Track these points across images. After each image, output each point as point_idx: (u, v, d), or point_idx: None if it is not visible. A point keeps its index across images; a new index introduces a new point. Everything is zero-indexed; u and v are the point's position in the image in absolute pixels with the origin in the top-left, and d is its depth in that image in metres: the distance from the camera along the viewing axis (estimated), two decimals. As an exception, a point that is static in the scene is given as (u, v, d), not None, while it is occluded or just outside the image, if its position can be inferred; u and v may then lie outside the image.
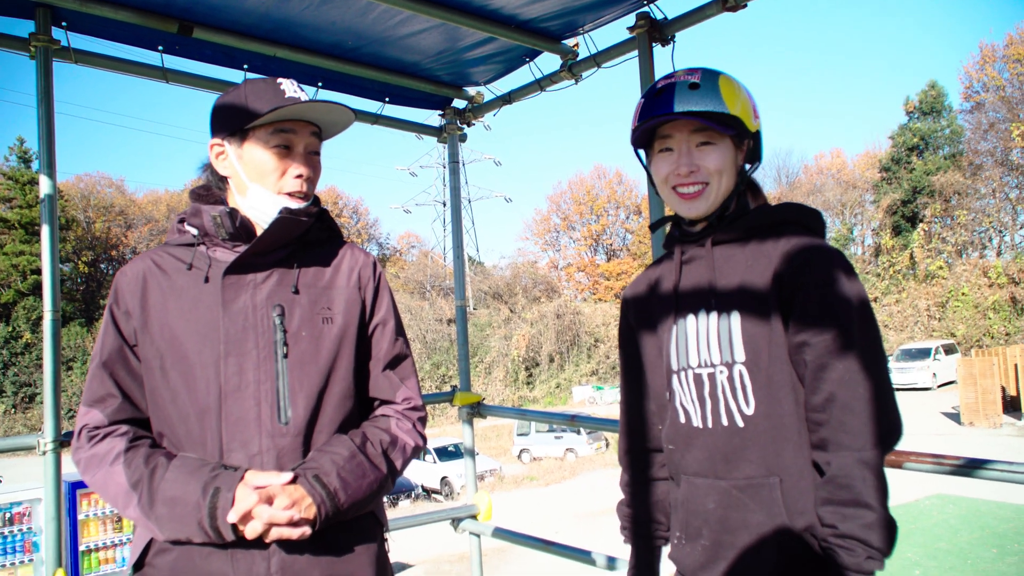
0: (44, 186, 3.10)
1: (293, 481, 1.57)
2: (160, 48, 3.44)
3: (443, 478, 23.93)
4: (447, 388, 4.62)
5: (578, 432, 25.84)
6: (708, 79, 1.67)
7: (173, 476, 1.55)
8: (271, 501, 1.52)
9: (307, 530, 1.56)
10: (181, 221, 1.76)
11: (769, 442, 1.57)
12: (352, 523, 1.71)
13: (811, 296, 1.53)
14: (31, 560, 7.77)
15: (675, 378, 1.70)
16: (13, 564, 7.75)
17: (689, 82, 1.67)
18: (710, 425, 1.63)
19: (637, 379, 1.86)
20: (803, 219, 1.69)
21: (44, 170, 3.11)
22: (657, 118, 1.66)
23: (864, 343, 1.51)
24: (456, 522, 4.28)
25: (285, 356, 1.65)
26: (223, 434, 1.60)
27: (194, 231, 1.72)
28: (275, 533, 1.53)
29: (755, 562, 1.57)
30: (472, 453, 4.49)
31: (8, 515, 7.77)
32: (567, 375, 43.82)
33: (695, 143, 1.68)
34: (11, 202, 43.91)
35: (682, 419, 1.69)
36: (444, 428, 36.72)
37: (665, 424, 1.75)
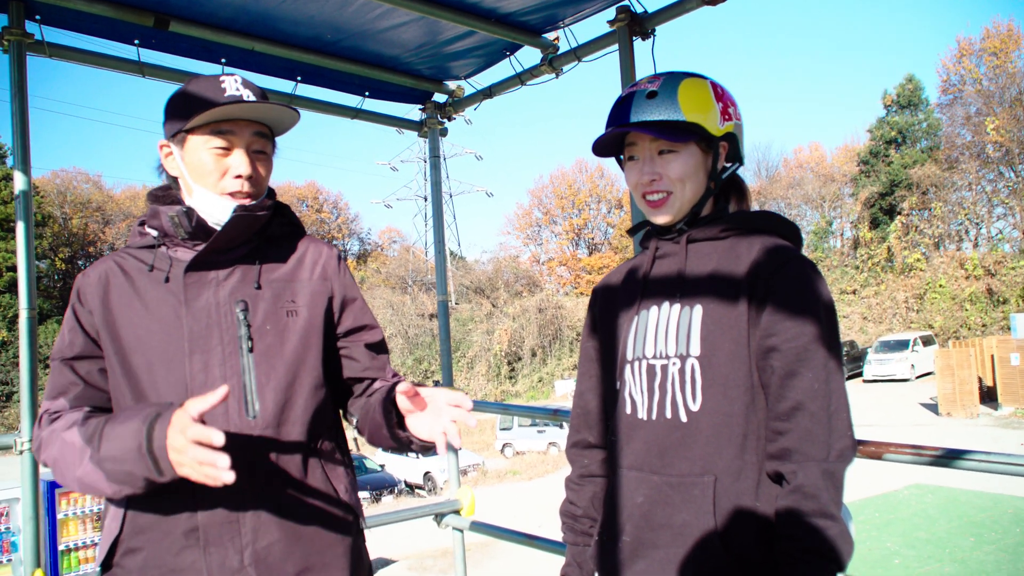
0: (19, 182, 3.06)
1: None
2: (136, 42, 3.40)
3: (426, 473, 23.92)
4: (430, 383, 4.60)
5: (561, 426, 25.89)
6: (668, 86, 1.66)
7: (122, 416, 1.51)
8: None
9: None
10: (142, 224, 1.75)
11: (711, 440, 1.54)
12: (328, 515, 1.71)
13: (784, 302, 1.52)
14: (9, 560, 7.69)
15: (628, 368, 1.68)
16: (-8, 564, 7.68)
17: (647, 91, 1.66)
18: (654, 417, 1.61)
19: (591, 373, 1.85)
20: (780, 229, 1.69)
21: (19, 166, 3.07)
22: (615, 129, 1.67)
23: (832, 356, 1.50)
24: (439, 517, 4.28)
25: (251, 351, 1.65)
26: None
27: (154, 232, 1.71)
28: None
29: (674, 564, 1.55)
30: (454, 448, 4.48)
31: (-15, 515, 7.69)
32: (549, 369, 43.88)
33: (656, 151, 1.67)
34: (-15, 198, 43.35)
35: (628, 410, 1.67)
36: (427, 423, 36.63)
37: (613, 416, 1.73)
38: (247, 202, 1.70)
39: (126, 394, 1.62)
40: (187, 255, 1.69)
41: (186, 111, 1.65)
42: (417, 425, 1.61)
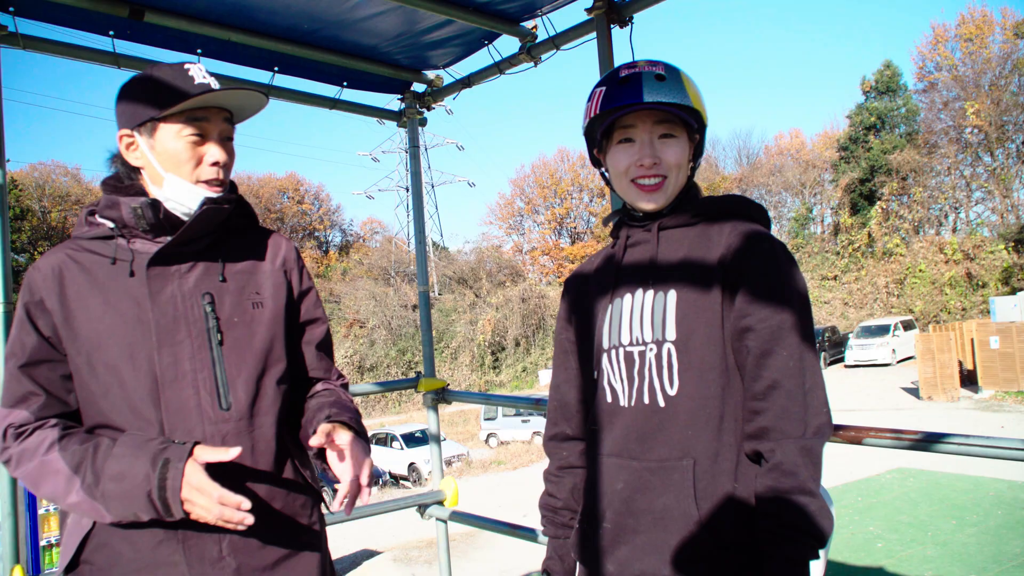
0: (-8, 176, 3.02)
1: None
2: (111, 33, 3.35)
3: (411, 464, 23.93)
4: (413, 374, 4.61)
5: (544, 415, 25.95)
6: (672, 72, 1.68)
7: (120, 451, 1.51)
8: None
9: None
10: (92, 213, 1.71)
11: (688, 424, 1.55)
12: (301, 501, 1.74)
13: (758, 283, 1.54)
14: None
15: (605, 356, 1.69)
16: (-28, 562, 7.63)
17: (655, 73, 1.66)
18: (632, 404, 1.62)
19: (567, 364, 1.85)
20: (749, 211, 1.70)
21: (-8, 160, 3.03)
22: (627, 107, 1.64)
23: (805, 335, 1.52)
24: (422, 508, 4.28)
25: (220, 343, 1.65)
26: (164, 424, 1.58)
27: (110, 223, 1.67)
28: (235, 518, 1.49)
29: (656, 548, 1.56)
30: (438, 439, 4.48)
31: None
32: (533, 359, 43.95)
33: (657, 135, 1.67)
34: (-39, 193, 42.79)
35: (608, 398, 1.68)
36: (411, 414, 36.72)
37: (592, 405, 1.74)
38: (216, 192, 1.68)
39: (94, 392, 1.60)
40: (147, 247, 1.66)
41: (157, 100, 1.62)
42: (334, 462, 1.65)
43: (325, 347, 1.89)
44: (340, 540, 14.38)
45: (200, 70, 1.68)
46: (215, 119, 1.68)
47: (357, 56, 3.96)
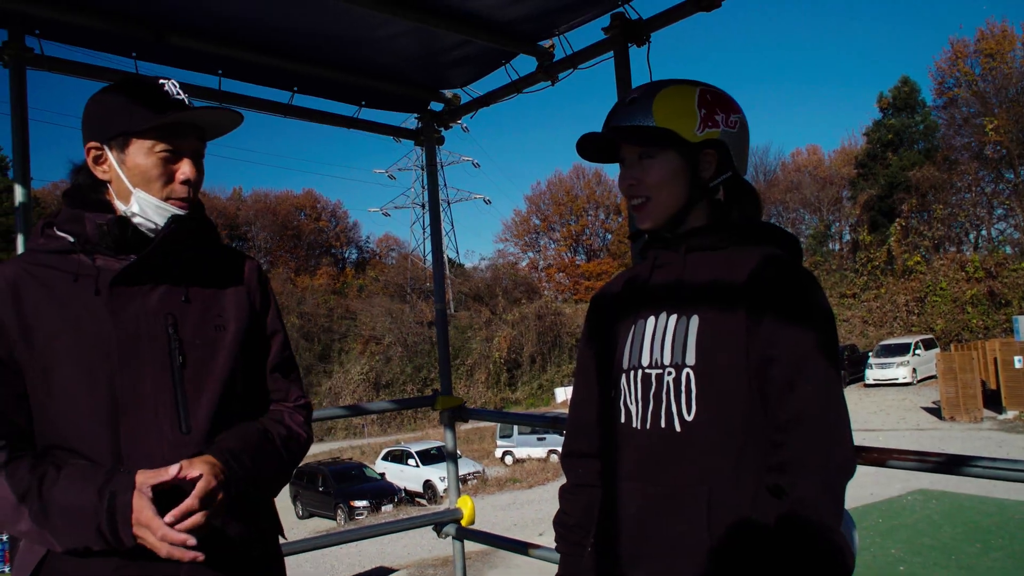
0: (18, 194, 3.06)
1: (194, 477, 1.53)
2: (133, 54, 3.39)
3: (426, 482, 23.90)
4: (429, 391, 4.60)
5: (561, 433, 25.84)
6: (647, 93, 1.67)
7: (65, 484, 1.48)
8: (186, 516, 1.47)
9: (216, 522, 1.53)
10: (50, 226, 1.65)
11: (705, 451, 1.53)
12: (261, 526, 1.72)
13: (781, 311, 1.51)
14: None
15: (623, 377, 1.67)
16: (-7, 576, 7.68)
17: (629, 98, 1.69)
18: (647, 427, 1.60)
19: (587, 381, 1.84)
20: (779, 240, 1.68)
21: (18, 179, 3.07)
22: (590, 134, 1.72)
23: (831, 366, 1.48)
24: (439, 527, 4.26)
25: (182, 366, 1.61)
26: (123, 447, 1.55)
27: (70, 237, 1.62)
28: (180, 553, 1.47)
29: (668, 573, 1.53)
30: (455, 457, 4.47)
31: (-14, 528, 7.70)
32: (549, 376, 43.89)
33: (637, 156, 1.68)
34: (-14, 211, 43.40)
35: (623, 419, 1.66)
36: (427, 432, 36.73)
37: (609, 425, 1.72)
38: (183, 209, 1.65)
39: (49, 411, 1.56)
40: (109, 264, 1.61)
41: (132, 114, 1.59)
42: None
43: (283, 367, 1.84)
44: (356, 558, 14.35)
45: (174, 86, 1.65)
46: (188, 136, 1.65)
47: (375, 75, 3.98)
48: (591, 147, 1.76)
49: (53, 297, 1.58)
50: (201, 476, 1.50)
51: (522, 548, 3.86)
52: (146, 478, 1.47)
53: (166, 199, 1.63)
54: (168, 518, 1.44)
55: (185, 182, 1.64)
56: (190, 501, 1.47)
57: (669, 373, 1.58)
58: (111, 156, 1.63)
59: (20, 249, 3.03)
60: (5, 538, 7.81)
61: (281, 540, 1.85)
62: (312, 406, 1.91)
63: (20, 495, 1.48)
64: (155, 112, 1.58)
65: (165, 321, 1.61)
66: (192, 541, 1.43)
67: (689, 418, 1.54)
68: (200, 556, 1.45)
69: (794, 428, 1.45)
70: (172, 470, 1.47)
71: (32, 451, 1.57)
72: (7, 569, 7.81)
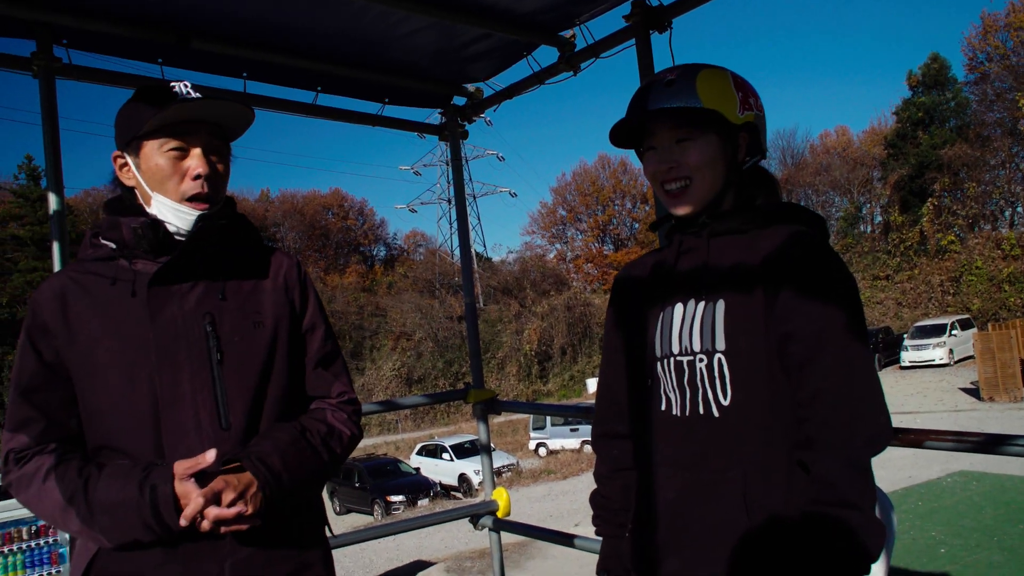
0: (52, 203, 3.12)
1: (236, 466, 1.57)
2: (159, 60, 3.44)
3: (461, 475, 24.00)
4: (461, 386, 4.62)
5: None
6: (686, 75, 1.65)
7: (107, 484, 1.53)
8: (219, 496, 1.51)
9: (257, 521, 1.55)
10: (96, 235, 1.71)
11: (744, 434, 1.53)
12: (302, 521, 1.74)
13: (798, 286, 1.50)
14: (58, 572, 7.84)
15: (658, 365, 1.67)
16: (41, 576, 7.84)
17: (665, 80, 1.66)
18: (687, 414, 1.60)
19: (617, 363, 1.83)
20: (801, 217, 1.66)
21: (52, 187, 3.13)
22: (633, 117, 1.67)
23: (853, 338, 1.46)
24: (475, 519, 4.29)
25: (220, 362, 1.64)
26: (165, 444, 1.59)
27: (111, 244, 1.68)
28: (224, 528, 1.53)
29: (708, 558, 1.53)
30: (488, 449, 4.49)
31: (34, 528, 7.85)
32: (580, 367, 43.84)
33: (675, 139, 1.66)
34: (22, 220, 44.17)
35: (663, 407, 1.66)
36: (460, 425, 36.84)
37: (644, 411, 1.72)
38: (202, 207, 1.67)
39: (96, 413, 1.61)
40: (149, 267, 1.65)
41: (140, 117, 1.63)
42: None
43: (325, 361, 1.85)
44: (394, 552, 14.47)
45: (185, 86, 1.67)
46: (199, 132, 1.67)
47: (398, 72, 4.00)
48: (623, 132, 1.74)
49: (95, 302, 1.63)
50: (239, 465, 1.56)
51: (559, 538, 3.87)
52: (184, 468, 1.52)
53: (182, 200, 1.66)
54: (198, 497, 1.49)
55: (197, 177, 1.66)
56: (217, 482, 1.53)
57: (701, 360, 1.58)
58: (131, 162, 1.69)
59: (56, 256, 3.09)
60: (51, 540, 7.98)
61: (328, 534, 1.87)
62: (359, 401, 1.91)
63: (68, 497, 1.53)
64: (157, 110, 1.61)
65: (203, 319, 1.65)
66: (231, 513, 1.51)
67: (726, 403, 1.55)
68: (243, 526, 1.53)
69: (815, 404, 1.45)
70: (209, 456, 1.51)
71: (81, 453, 1.62)
72: (54, 571, 7.96)
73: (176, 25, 3.24)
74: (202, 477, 1.53)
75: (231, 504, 1.52)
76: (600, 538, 1.88)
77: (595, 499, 1.88)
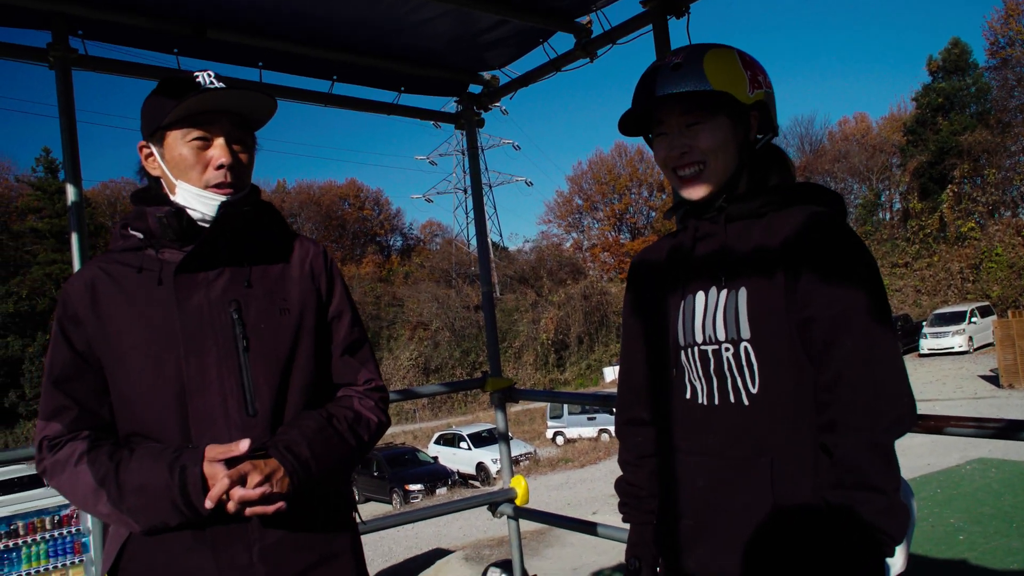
0: (70, 194, 3.14)
1: (263, 452, 1.58)
2: (175, 51, 3.44)
3: (479, 464, 24.10)
4: (478, 375, 4.63)
5: (611, 412, 25.80)
6: (692, 58, 1.62)
7: (137, 466, 1.55)
8: (245, 478, 1.53)
9: (282, 504, 1.57)
10: (124, 226, 1.73)
11: (768, 421, 1.52)
12: (329, 507, 1.75)
13: (818, 268, 1.48)
14: (81, 561, 7.95)
15: (682, 354, 1.66)
16: (64, 565, 7.95)
17: (672, 63, 1.63)
18: (716, 403, 1.59)
19: (638, 350, 1.83)
20: (819, 197, 1.63)
21: (69, 179, 3.14)
22: (642, 105, 1.65)
23: (875, 320, 1.44)
24: (494, 507, 4.30)
25: (246, 350, 1.65)
26: (192, 430, 1.60)
27: (139, 234, 1.70)
28: (250, 510, 1.55)
29: (736, 545, 1.53)
30: (506, 438, 4.50)
31: (58, 518, 7.97)
32: (597, 356, 43.80)
33: (685, 124, 1.64)
34: (41, 212, 44.58)
35: (688, 395, 1.65)
36: (477, 414, 36.98)
37: (668, 399, 1.71)
38: (226, 194, 1.68)
39: (127, 401, 1.63)
40: (175, 256, 1.67)
41: (163, 108, 1.64)
42: None
43: (352, 348, 1.85)
44: (412, 540, 14.56)
45: (208, 75, 1.68)
46: (221, 122, 1.68)
47: (414, 60, 3.99)
48: (631, 121, 1.73)
49: (123, 292, 1.65)
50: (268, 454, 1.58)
51: (577, 526, 3.87)
52: (216, 452, 1.54)
53: (206, 187, 1.67)
54: (224, 478, 1.51)
55: (220, 167, 1.67)
56: (244, 465, 1.54)
57: (727, 349, 1.57)
58: (155, 152, 1.70)
59: (75, 248, 3.11)
60: (74, 530, 8.08)
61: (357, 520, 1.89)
62: (386, 388, 1.92)
63: (99, 480, 1.55)
64: (178, 100, 1.62)
65: (229, 307, 1.66)
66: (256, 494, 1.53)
67: (755, 391, 1.54)
68: (268, 508, 1.55)
69: (838, 387, 1.44)
70: (243, 445, 1.54)
71: (113, 440, 1.65)
72: (77, 560, 8.06)
73: (192, 15, 3.24)
74: (231, 462, 1.54)
75: (257, 486, 1.53)
76: (623, 525, 1.88)
77: (621, 486, 1.88)
